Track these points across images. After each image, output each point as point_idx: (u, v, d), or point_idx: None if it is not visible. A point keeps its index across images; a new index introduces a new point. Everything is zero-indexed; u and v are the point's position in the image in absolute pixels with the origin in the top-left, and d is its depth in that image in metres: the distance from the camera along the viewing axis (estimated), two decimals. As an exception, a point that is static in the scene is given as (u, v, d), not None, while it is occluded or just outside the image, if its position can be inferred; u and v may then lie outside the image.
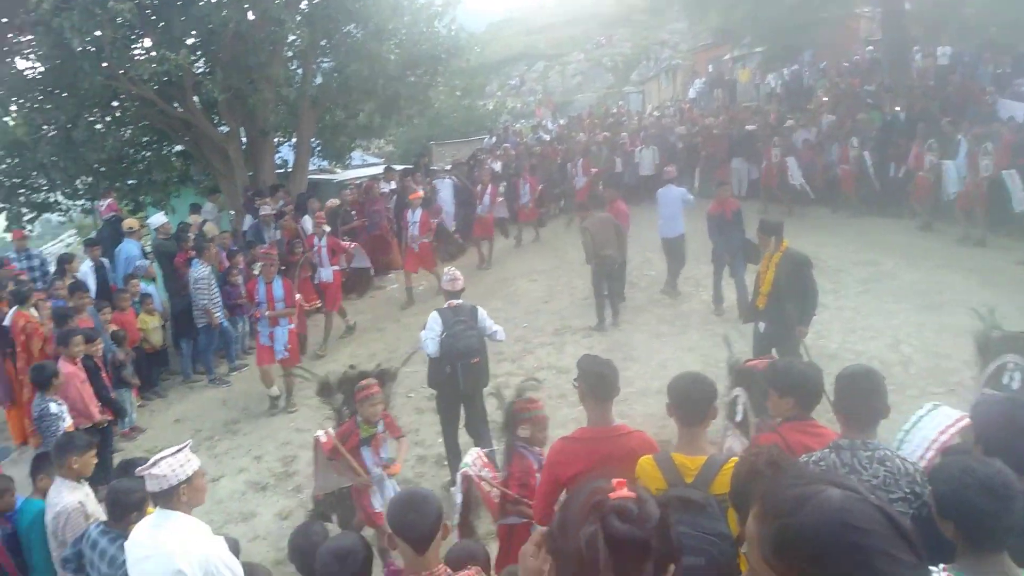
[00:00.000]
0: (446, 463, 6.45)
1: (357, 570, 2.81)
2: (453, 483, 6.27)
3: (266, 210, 11.60)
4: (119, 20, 10.54)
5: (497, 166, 15.29)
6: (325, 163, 17.78)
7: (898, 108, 14.43)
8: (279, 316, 8.35)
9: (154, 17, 12.04)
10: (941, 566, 2.09)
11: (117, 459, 6.34)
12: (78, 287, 8.63)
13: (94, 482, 4.59)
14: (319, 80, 14.41)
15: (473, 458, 4.53)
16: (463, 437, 6.37)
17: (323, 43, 13.77)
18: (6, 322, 8.04)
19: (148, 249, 11.22)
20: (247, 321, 10.38)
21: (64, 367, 6.50)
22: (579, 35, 47.63)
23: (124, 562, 3.28)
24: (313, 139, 15.42)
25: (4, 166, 12.56)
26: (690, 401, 3.00)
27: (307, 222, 11.48)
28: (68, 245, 22.28)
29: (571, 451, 3.42)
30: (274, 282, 8.44)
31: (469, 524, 4.58)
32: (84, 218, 17.75)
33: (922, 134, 12.39)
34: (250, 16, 11.99)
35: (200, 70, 12.58)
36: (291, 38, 12.87)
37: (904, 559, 1.12)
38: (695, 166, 15.98)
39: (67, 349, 6.83)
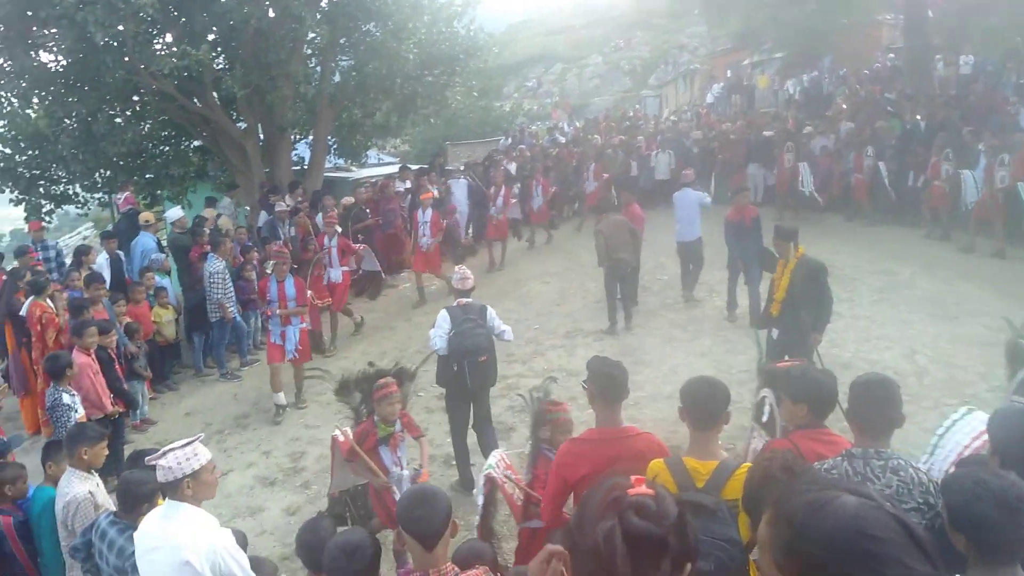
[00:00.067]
0: (454, 463, 6.44)
1: (365, 565, 2.81)
2: (461, 483, 6.29)
3: (281, 206, 11.66)
4: (142, 15, 10.62)
5: (512, 167, 15.30)
6: (341, 161, 17.84)
7: (919, 117, 14.30)
8: (291, 315, 8.31)
9: (176, 13, 12.15)
10: (955, 577, 2.07)
11: (128, 451, 6.37)
12: (94, 278, 8.68)
13: (105, 473, 4.63)
14: (337, 78, 14.48)
15: (497, 459, 4.49)
16: (471, 437, 6.37)
17: (342, 41, 13.81)
18: (22, 312, 8.12)
19: (164, 243, 11.29)
20: (259, 316, 10.42)
21: (78, 358, 6.55)
22: (597, 38, 47.61)
23: (133, 553, 3.29)
24: (329, 137, 15.48)
25: (25, 158, 12.69)
26: (703, 405, 2.97)
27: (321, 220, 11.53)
28: (85, 237, 22.52)
29: (579, 452, 3.41)
30: (286, 281, 8.39)
31: (489, 526, 4.52)
32: (101, 211, 17.92)
33: (940, 143, 12.28)
34: (271, 13, 12.06)
35: (220, 66, 12.67)
36: (311, 36, 12.92)
37: (919, 570, 1.10)
38: (711, 171, 15.91)
39: (81, 340, 6.87)
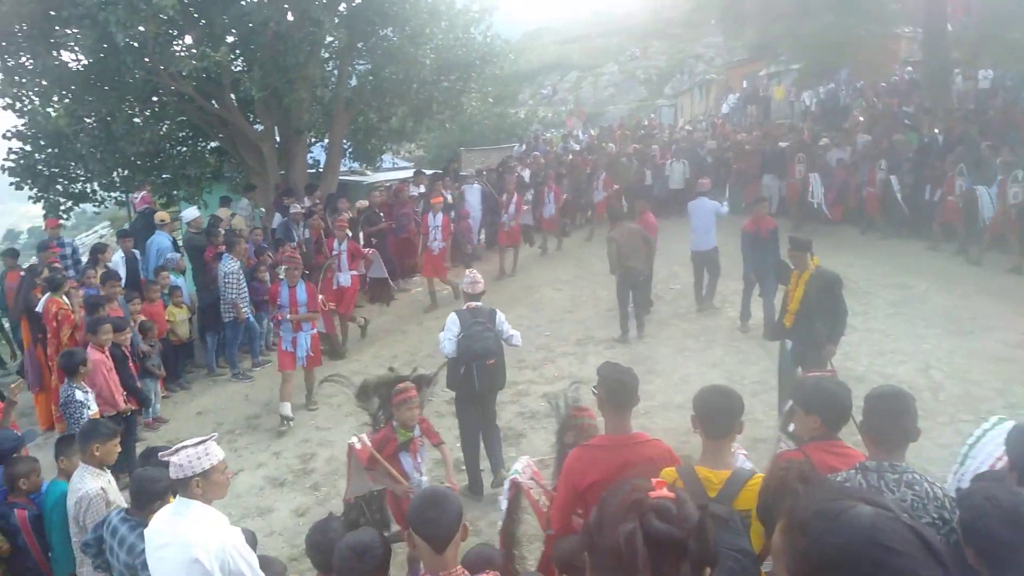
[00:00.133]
0: (464, 467, 6.44)
1: (376, 566, 2.81)
2: (470, 487, 6.28)
3: (295, 209, 11.73)
4: (162, 16, 10.75)
5: (526, 174, 15.32)
6: (356, 164, 17.91)
7: (936, 131, 14.22)
8: (302, 320, 8.26)
9: (196, 14, 12.28)
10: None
11: (140, 448, 6.41)
12: (110, 276, 8.75)
13: (117, 470, 4.65)
14: (354, 82, 14.54)
15: (523, 465, 4.47)
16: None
17: (359, 45, 13.89)
18: (39, 308, 8.19)
19: (179, 242, 11.37)
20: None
21: (92, 355, 6.60)
22: (613, 47, 47.63)
23: (143, 550, 3.30)
24: (345, 140, 15.55)
25: (44, 156, 12.82)
26: (716, 414, 2.95)
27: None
28: (101, 236, 22.66)
29: (588, 458, 3.40)
30: (297, 286, 8.30)
31: (511, 532, 4.45)
32: (118, 210, 18.05)
33: (954, 158, 12.20)
34: (289, 17, 12.16)
35: (238, 68, 12.77)
36: (328, 39, 12.99)
37: (936, 582, 1.09)
38: (726, 181, 15.87)
39: (96, 337, 6.92)
